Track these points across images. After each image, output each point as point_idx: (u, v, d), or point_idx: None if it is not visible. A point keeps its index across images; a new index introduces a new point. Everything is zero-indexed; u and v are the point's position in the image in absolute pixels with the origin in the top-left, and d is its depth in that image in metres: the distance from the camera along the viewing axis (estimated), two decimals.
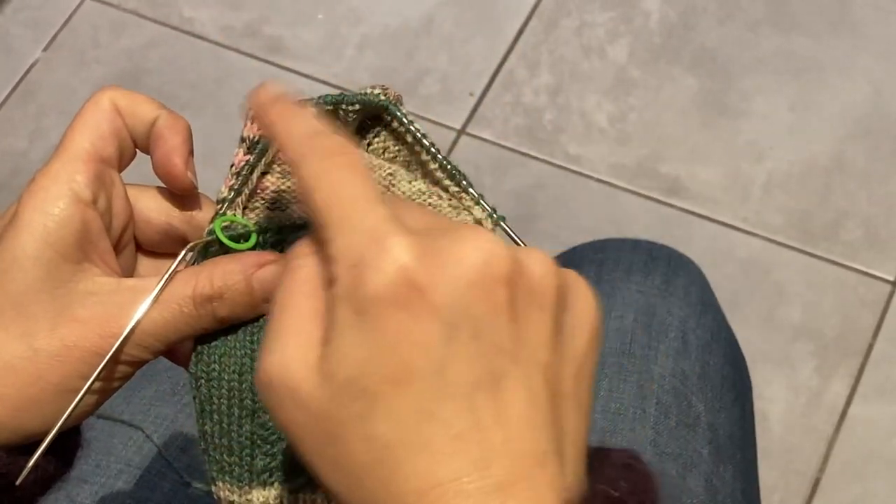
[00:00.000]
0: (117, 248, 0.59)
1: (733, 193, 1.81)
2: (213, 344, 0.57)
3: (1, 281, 0.55)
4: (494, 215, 0.58)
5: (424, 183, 0.59)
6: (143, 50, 1.99)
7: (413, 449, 0.45)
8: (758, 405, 1.60)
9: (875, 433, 1.63)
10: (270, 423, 0.56)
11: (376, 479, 0.45)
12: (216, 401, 0.57)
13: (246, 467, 0.56)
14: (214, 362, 0.57)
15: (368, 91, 0.59)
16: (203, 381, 0.57)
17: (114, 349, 0.55)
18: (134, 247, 0.61)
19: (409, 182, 0.59)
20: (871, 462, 1.61)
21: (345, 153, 0.49)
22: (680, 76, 1.91)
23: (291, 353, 0.47)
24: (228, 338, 0.57)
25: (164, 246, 0.61)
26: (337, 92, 0.59)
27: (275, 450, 0.56)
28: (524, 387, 0.46)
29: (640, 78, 1.91)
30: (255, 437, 0.56)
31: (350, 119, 0.59)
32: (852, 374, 1.67)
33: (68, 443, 0.59)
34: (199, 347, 0.57)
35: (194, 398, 0.57)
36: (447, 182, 0.59)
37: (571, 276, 0.50)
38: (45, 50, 2.01)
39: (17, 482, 0.55)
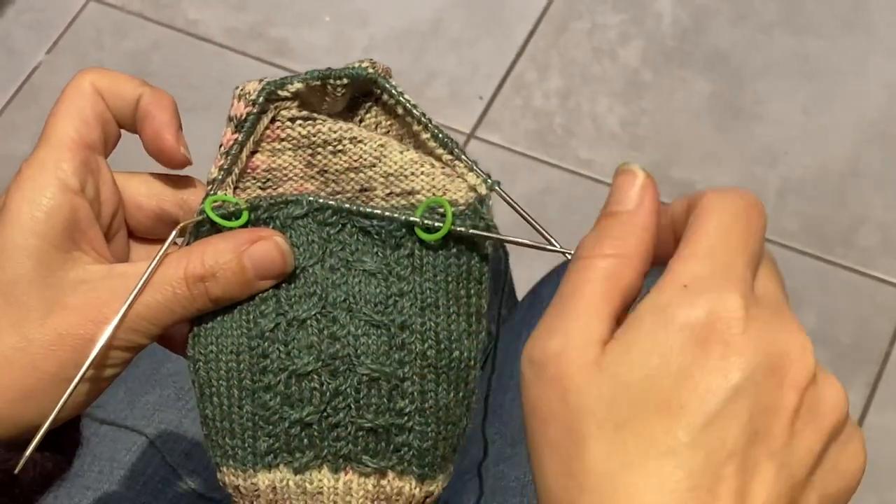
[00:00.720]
0: (108, 234, 0.59)
1: None
2: (208, 325, 0.58)
3: None
4: (489, 181, 0.60)
5: (416, 153, 0.59)
6: (147, 52, 1.98)
7: (646, 481, 0.46)
8: None
9: (893, 442, 1.61)
10: (271, 403, 0.57)
11: (596, 486, 0.47)
12: (215, 383, 0.57)
13: (249, 450, 0.57)
14: (211, 343, 0.57)
15: (356, 65, 0.59)
16: (201, 363, 0.58)
17: (106, 335, 0.55)
18: (126, 233, 0.61)
19: (401, 153, 0.59)
20: (889, 472, 1.59)
21: (750, 219, 0.50)
22: (692, 79, 1.89)
23: (575, 341, 0.48)
24: (224, 318, 0.58)
25: (156, 231, 0.61)
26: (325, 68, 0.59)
27: (277, 430, 0.57)
28: (770, 486, 0.47)
29: (652, 81, 1.89)
30: (257, 417, 0.57)
31: (339, 94, 0.59)
32: (868, 383, 1.65)
33: (66, 439, 0.60)
34: (195, 329, 0.58)
35: (193, 382, 0.58)
36: (440, 151, 0.60)
37: (854, 425, 0.50)
38: (48, 52, 1.99)
39: (16, 471, 0.55)
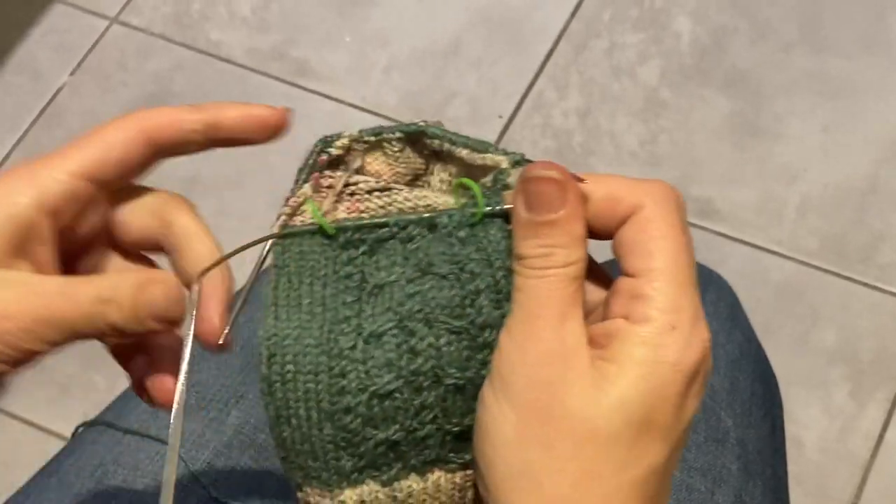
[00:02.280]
0: (84, 250, 0.60)
1: (767, 216, 1.79)
2: (286, 343, 0.56)
3: None
4: (515, 156, 0.59)
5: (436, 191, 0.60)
6: (170, 73, 1.99)
7: (631, 491, 0.53)
8: (792, 430, 1.58)
9: None
10: (352, 426, 0.55)
11: (577, 491, 0.52)
12: (293, 404, 0.56)
13: (333, 470, 0.56)
14: (289, 363, 0.56)
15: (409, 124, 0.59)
16: (278, 384, 0.56)
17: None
18: (105, 247, 0.61)
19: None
20: None
21: (688, 229, 0.55)
22: (712, 97, 1.89)
23: (570, 348, 0.52)
24: (303, 337, 0.56)
25: (140, 247, 0.61)
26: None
27: (361, 450, 0.56)
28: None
29: (671, 99, 1.90)
30: (339, 439, 0.56)
31: (398, 153, 0.60)
32: (888, 399, 1.65)
33: None
34: (271, 348, 0.56)
35: (268, 405, 0.56)
36: (493, 159, 0.59)
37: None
38: (72, 74, 2.01)
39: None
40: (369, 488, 0.57)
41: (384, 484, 0.57)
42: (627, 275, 0.54)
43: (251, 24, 2.03)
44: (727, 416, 0.90)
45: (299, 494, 0.57)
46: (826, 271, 1.74)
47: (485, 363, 0.55)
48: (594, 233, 0.55)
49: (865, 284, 1.73)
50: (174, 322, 0.58)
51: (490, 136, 1.88)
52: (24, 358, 0.56)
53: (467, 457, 0.57)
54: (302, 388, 0.56)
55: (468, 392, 0.55)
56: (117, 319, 0.56)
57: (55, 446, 0.93)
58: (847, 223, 1.78)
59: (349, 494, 0.56)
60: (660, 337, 0.52)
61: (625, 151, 1.86)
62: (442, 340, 0.55)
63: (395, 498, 0.57)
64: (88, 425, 0.92)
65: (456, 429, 0.56)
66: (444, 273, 0.56)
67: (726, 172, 1.83)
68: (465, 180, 0.57)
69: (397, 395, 0.55)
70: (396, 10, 2.02)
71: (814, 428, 1.63)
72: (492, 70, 1.95)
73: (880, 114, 1.86)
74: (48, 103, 1.98)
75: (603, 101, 1.91)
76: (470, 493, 0.58)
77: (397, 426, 0.56)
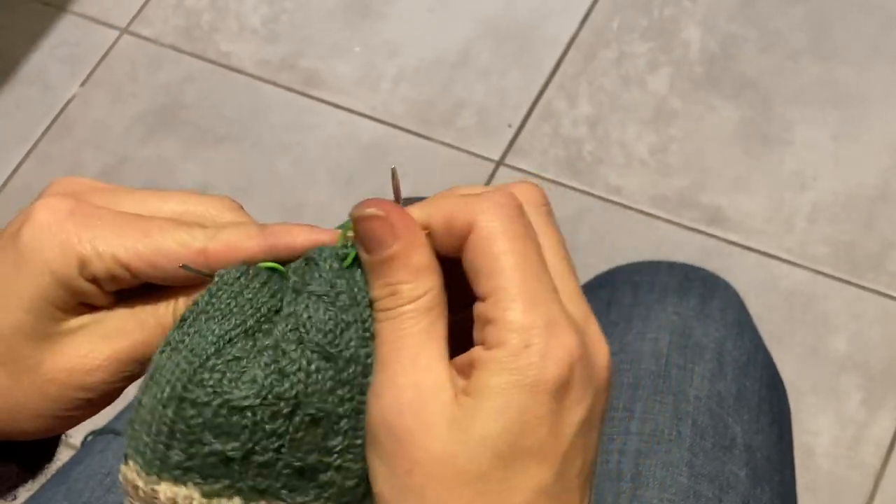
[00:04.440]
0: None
1: (777, 224, 1.79)
2: (190, 319, 0.54)
3: (4, 309, 0.55)
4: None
5: None
6: (181, 84, 2.00)
7: None
8: (803, 439, 1.58)
9: None
10: (192, 422, 0.52)
11: None
12: (160, 371, 0.53)
13: (160, 456, 0.53)
14: (186, 335, 0.54)
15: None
16: (168, 348, 0.54)
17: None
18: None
19: None
20: None
21: (529, 233, 0.53)
22: (721, 106, 1.89)
23: (426, 393, 0.51)
24: (204, 316, 0.54)
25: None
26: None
27: (192, 450, 0.52)
28: (592, 479, 0.54)
29: (680, 108, 1.90)
30: (176, 428, 0.52)
31: None
32: None
33: (41, 456, 0.61)
34: (182, 315, 0.55)
35: (151, 361, 0.54)
36: None
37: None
38: (82, 85, 2.01)
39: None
40: (187, 492, 0.53)
41: (204, 495, 0.53)
42: (479, 299, 0.52)
43: (261, 35, 2.03)
44: (735, 422, 0.90)
45: (122, 466, 0.54)
46: (836, 279, 1.74)
47: (343, 400, 0.53)
48: (450, 259, 0.53)
49: (876, 292, 1.72)
50: None
51: (500, 146, 1.89)
52: (113, 398, 0.57)
53: (299, 499, 0.53)
54: (175, 360, 0.53)
55: (322, 427, 0.53)
56: None
57: (64, 454, 0.93)
58: (857, 231, 1.77)
59: (164, 488, 0.53)
60: (514, 359, 0.50)
61: (635, 160, 1.86)
62: (312, 366, 0.53)
63: None
64: (97, 434, 0.92)
65: (297, 463, 0.53)
66: (319, 293, 0.54)
67: (736, 180, 1.83)
68: (345, 223, 0.55)
69: (249, 413, 0.52)
70: (406, 21, 2.03)
71: (825, 436, 1.63)
72: (501, 80, 1.95)
73: (890, 121, 1.86)
74: (58, 114, 1.98)
75: (612, 110, 1.91)
76: None
77: (237, 444, 0.52)
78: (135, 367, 0.56)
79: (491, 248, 0.51)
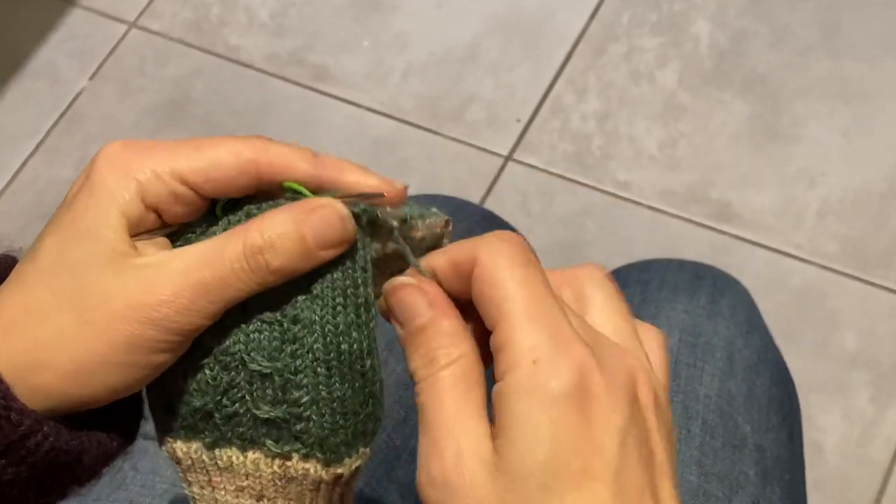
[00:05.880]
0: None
1: (786, 220, 1.79)
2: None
3: (68, 246, 0.55)
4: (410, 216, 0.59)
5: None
6: (189, 78, 2.00)
7: None
8: (812, 435, 1.57)
9: None
10: (175, 387, 0.58)
11: None
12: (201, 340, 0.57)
13: (168, 421, 0.59)
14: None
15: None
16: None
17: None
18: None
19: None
20: None
21: (531, 262, 0.53)
22: (731, 101, 1.89)
23: (467, 447, 0.51)
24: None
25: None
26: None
27: (183, 411, 0.58)
28: (669, 493, 0.52)
29: (690, 103, 1.89)
30: (171, 394, 0.58)
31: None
32: None
33: (128, 419, 0.60)
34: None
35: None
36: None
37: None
38: (90, 79, 2.01)
39: None
40: (195, 446, 0.58)
41: (208, 447, 0.58)
42: (491, 331, 0.53)
43: (270, 30, 2.03)
44: (745, 421, 0.90)
45: (157, 432, 0.60)
46: (846, 275, 1.73)
47: (294, 356, 0.56)
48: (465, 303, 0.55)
49: (886, 288, 1.72)
50: (348, 243, 0.56)
51: (508, 141, 1.88)
52: (186, 340, 0.56)
53: (286, 448, 0.57)
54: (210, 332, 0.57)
55: (276, 382, 0.56)
56: (282, 263, 0.55)
57: None
58: (867, 227, 1.77)
59: (179, 446, 0.59)
60: (527, 380, 0.50)
61: (644, 155, 1.85)
62: (252, 327, 0.56)
63: (216, 464, 0.58)
64: None
65: (265, 416, 0.57)
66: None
67: (745, 176, 1.83)
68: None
69: (206, 370, 0.57)
70: (414, 15, 2.02)
71: (834, 433, 1.62)
72: (510, 74, 1.95)
73: None
74: (67, 108, 1.98)
75: (622, 104, 1.90)
76: (295, 489, 0.58)
77: (208, 398, 0.57)
78: (203, 306, 0.55)
79: (494, 277, 0.53)
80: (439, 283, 0.55)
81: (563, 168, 1.86)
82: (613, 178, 1.84)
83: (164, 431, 0.59)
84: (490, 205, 1.80)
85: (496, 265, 0.53)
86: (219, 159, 0.56)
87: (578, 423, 0.50)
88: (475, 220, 1.04)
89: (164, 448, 0.59)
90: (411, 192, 1.08)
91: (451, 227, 0.59)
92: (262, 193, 0.57)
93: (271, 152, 0.56)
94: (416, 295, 0.55)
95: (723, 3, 1.98)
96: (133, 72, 2.02)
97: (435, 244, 0.59)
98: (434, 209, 0.59)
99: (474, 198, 1.82)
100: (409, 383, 0.60)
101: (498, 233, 0.55)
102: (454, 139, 1.90)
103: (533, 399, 0.50)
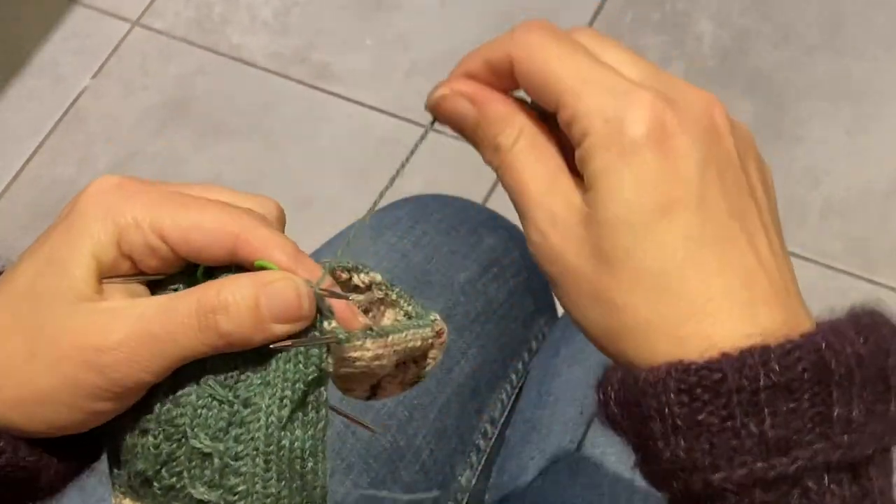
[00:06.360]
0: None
1: (789, 220, 1.77)
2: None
3: (37, 275, 0.55)
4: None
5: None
6: (192, 77, 1.99)
7: (684, 271, 0.51)
8: None
9: None
10: (124, 443, 0.56)
11: (645, 306, 0.52)
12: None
13: (118, 477, 0.58)
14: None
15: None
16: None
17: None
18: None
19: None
20: None
21: (561, 37, 0.55)
22: (734, 100, 1.88)
23: (558, 214, 0.53)
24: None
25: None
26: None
27: (128, 469, 0.56)
28: (762, 224, 0.54)
29: None
30: (119, 449, 0.57)
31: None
32: None
33: (89, 437, 0.58)
34: None
35: None
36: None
37: None
38: (93, 77, 2.01)
39: None
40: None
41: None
42: (555, 112, 0.54)
43: (273, 28, 2.03)
44: None
45: (110, 478, 0.59)
46: (851, 275, 1.73)
47: (238, 440, 0.54)
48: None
49: (891, 288, 1.72)
50: (302, 321, 0.54)
51: None
52: (129, 393, 0.54)
53: None
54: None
55: (215, 464, 0.54)
56: (232, 328, 0.53)
57: None
58: (871, 227, 1.77)
59: (128, 502, 0.57)
60: (603, 138, 0.52)
61: None
62: (202, 402, 0.54)
63: None
64: None
65: (199, 496, 0.54)
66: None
67: None
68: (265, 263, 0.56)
69: (151, 437, 0.55)
70: (418, 14, 2.02)
71: None
72: None
73: None
74: (69, 107, 1.98)
75: None
76: None
77: (148, 465, 0.55)
78: (147, 359, 0.53)
79: (536, 65, 0.54)
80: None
81: None
82: None
83: (115, 481, 0.58)
84: (493, 205, 1.80)
85: (533, 57, 0.54)
86: (201, 223, 0.55)
87: (657, 161, 0.52)
88: (479, 220, 1.04)
89: (114, 500, 0.58)
90: (414, 191, 1.08)
91: (443, 338, 0.59)
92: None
93: (254, 234, 0.55)
94: (456, 101, 0.58)
95: (726, 2, 1.97)
96: (135, 70, 2.01)
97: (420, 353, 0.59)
98: (433, 316, 0.59)
99: (477, 198, 1.82)
100: None
101: (521, 26, 0.56)
102: (457, 138, 1.89)
103: (613, 152, 0.52)
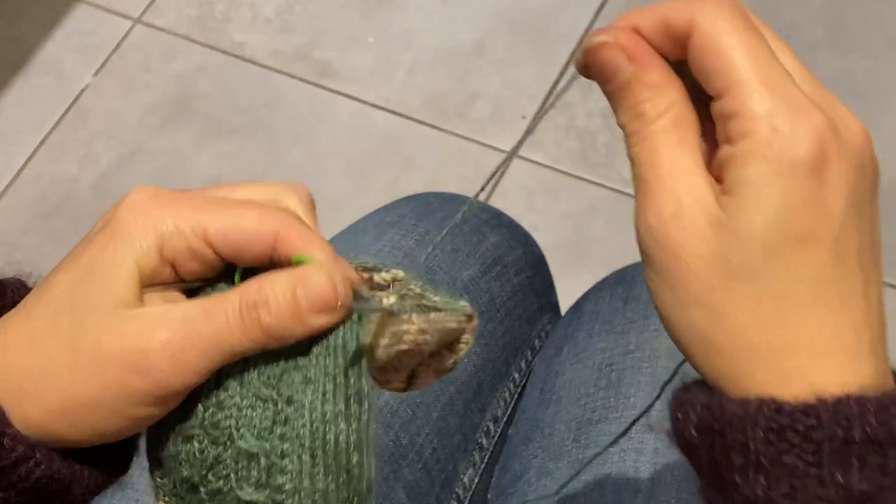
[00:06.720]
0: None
1: None
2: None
3: (78, 282, 0.55)
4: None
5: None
6: (194, 75, 1.99)
7: (806, 307, 0.51)
8: None
9: None
10: (166, 452, 0.57)
11: (756, 329, 0.51)
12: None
13: (160, 484, 0.58)
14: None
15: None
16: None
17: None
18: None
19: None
20: None
21: (753, 26, 0.53)
22: None
23: (687, 205, 0.51)
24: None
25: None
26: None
27: (173, 477, 0.57)
28: (876, 270, 0.53)
29: None
30: (162, 457, 0.58)
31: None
32: None
33: (122, 449, 0.59)
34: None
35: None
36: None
37: None
38: (95, 75, 2.01)
39: None
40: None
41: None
42: (715, 98, 0.52)
43: (275, 26, 2.03)
44: None
45: (153, 486, 0.59)
46: None
47: (283, 438, 0.55)
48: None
49: (891, 286, 1.72)
50: (340, 311, 0.55)
51: (514, 137, 1.88)
52: (172, 396, 0.55)
53: None
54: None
55: (262, 464, 0.55)
56: (273, 321, 0.54)
57: None
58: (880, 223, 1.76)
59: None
60: (764, 147, 0.50)
61: None
62: (246, 402, 0.55)
63: None
64: None
65: (247, 498, 0.55)
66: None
67: None
68: (303, 258, 0.56)
69: (195, 442, 0.56)
70: (420, 12, 2.02)
71: None
72: (515, 71, 1.95)
73: None
74: (72, 104, 1.98)
75: None
76: None
77: (194, 470, 0.56)
78: (193, 359, 0.54)
79: (719, 45, 0.51)
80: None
81: (568, 165, 1.85)
82: (619, 175, 1.83)
83: (160, 490, 0.58)
84: (495, 201, 1.80)
85: (719, 30, 0.52)
86: (242, 222, 0.55)
87: (811, 190, 0.50)
88: (482, 218, 1.03)
89: None
90: (416, 189, 1.08)
91: (475, 322, 0.59)
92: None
93: (295, 231, 0.56)
94: (615, 52, 0.53)
95: None
96: (138, 68, 2.01)
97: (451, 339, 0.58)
98: (462, 302, 0.59)
99: (480, 196, 1.82)
100: None
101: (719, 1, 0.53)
102: (459, 136, 1.90)
103: (772, 165, 0.50)
